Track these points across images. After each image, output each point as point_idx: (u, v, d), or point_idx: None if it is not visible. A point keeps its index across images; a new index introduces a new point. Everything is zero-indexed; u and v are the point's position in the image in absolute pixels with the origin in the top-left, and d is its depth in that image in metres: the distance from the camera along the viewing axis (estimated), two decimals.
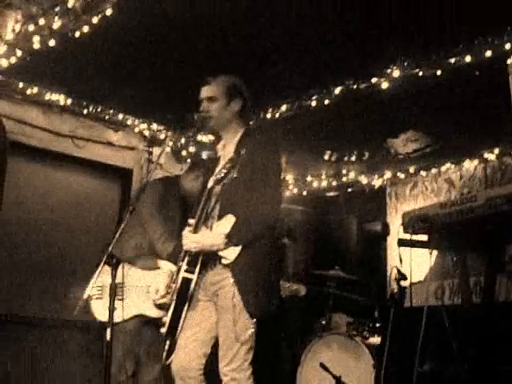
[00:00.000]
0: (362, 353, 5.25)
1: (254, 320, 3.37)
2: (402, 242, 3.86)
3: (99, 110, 6.42)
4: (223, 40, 4.89)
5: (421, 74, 5.11)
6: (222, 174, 3.36)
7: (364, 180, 7.80)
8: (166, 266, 3.99)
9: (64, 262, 6.30)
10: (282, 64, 5.12)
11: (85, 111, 6.35)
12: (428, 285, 3.94)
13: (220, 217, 3.43)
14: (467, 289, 3.79)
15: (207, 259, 3.43)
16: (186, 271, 3.41)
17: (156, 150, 6.98)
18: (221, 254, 3.38)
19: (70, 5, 4.48)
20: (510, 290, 4.61)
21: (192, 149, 7.18)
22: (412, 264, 3.77)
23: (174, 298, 3.44)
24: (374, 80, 5.36)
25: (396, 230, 7.05)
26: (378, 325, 5.59)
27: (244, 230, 3.37)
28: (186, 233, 3.45)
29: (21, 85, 5.89)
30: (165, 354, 3.41)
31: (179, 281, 3.41)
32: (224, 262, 3.39)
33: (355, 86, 5.46)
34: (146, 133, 6.90)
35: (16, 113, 6.00)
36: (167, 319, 3.43)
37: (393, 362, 4.13)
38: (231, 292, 3.35)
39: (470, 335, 3.65)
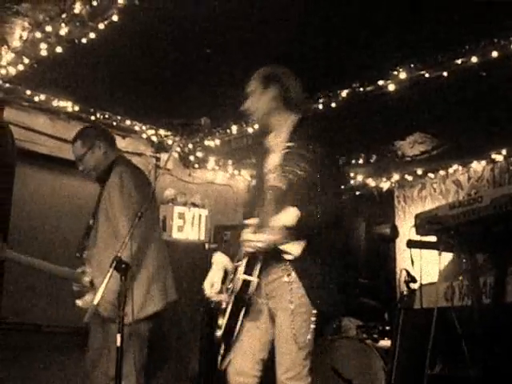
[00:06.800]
0: (372, 356, 5.24)
1: (313, 324, 3.18)
2: (411, 244, 3.84)
3: (106, 116, 6.44)
4: (231, 45, 4.89)
5: (427, 75, 5.11)
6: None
7: (372, 183, 7.80)
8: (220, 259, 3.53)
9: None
10: (287, 67, 5.11)
11: (92, 118, 6.36)
12: (438, 286, 3.91)
13: (276, 211, 3.13)
14: (477, 290, 3.77)
15: (269, 258, 3.21)
16: (246, 273, 3.18)
17: (163, 156, 7.00)
18: (285, 249, 3.17)
19: (76, 11, 4.50)
20: None
21: (199, 154, 7.20)
22: (422, 265, 3.76)
23: (232, 299, 3.24)
24: (380, 82, 5.36)
25: (405, 233, 7.10)
26: (388, 328, 5.58)
27: (310, 221, 3.14)
28: (248, 235, 3.20)
29: (28, 92, 5.91)
30: (220, 358, 3.24)
31: (239, 283, 3.19)
32: (288, 257, 3.19)
33: (362, 89, 5.47)
34: (154, 138, 6.92)
35: (24, 120, 6.01)
36: (223, 322, 3.24)
37: (403, 364, 4.12)
38: (287, 292, 3.18)
39: (480, 336, 3.64)
